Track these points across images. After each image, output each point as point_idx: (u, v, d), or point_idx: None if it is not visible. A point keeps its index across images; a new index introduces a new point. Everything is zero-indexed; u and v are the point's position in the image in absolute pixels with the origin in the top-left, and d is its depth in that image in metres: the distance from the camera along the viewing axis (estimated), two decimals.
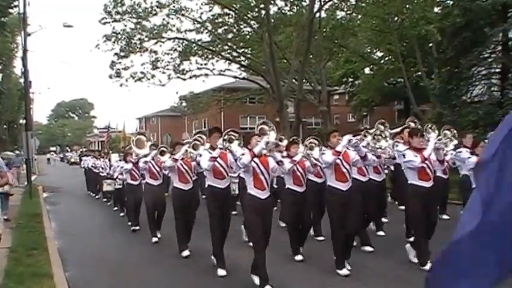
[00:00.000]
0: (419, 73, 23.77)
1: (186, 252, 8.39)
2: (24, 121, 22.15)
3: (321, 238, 9.11)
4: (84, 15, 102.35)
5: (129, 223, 11.78)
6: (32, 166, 24.48)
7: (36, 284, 6.64)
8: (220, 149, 7.00)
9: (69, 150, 70.95)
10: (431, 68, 22.76)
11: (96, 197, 18.95)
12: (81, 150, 60.62)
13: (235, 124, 39.73)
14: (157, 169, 9.87)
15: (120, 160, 13.81)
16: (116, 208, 15.21)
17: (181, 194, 8.48)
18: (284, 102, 23.82)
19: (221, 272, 7.09)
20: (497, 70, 20.58)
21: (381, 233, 9.39)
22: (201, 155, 7.40)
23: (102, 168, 16.93)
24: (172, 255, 8.67)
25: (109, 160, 16.51)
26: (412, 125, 7.87)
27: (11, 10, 25.12)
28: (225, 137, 6.54)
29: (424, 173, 6.91)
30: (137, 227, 11.20)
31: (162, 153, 9.04)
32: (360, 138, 7.11)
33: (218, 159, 7.17)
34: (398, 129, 8.41)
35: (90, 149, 22.05)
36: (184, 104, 30.84)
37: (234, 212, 12.74)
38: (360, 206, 7.51)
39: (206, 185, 7.60)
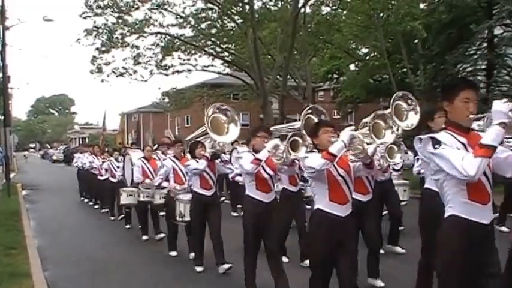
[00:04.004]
0: (405, 70, 23.70)
1: None
2: (2, 117, 21.60)
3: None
4: (65, 9, 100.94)
5: (172, 250, 8.44)
6: (11, 163, 23.96)
7: (15, 284, 6.48)
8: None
9: (49, 147, 69.90)
10: (417, 65, 22.70)
11: (96, 206, 15.26)
12: (66, 146, 59.85)
13: None
14: (270, 174, 5.93)
15: (145, 158, 9.86)
16: (128, 226, 11.22)
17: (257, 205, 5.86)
18: (268, 98, 23.62)
19: None
20: (483, 67, 20.68)
21: None
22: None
23: (106, 171, 13.26)
24: (156, 254, 8.53)
25: (116, 159, 12.69)
26: None
27: None
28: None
29: None
30: (202, 267, 7.26)
31: (293, 144, 5.07)
32: None
33: None
34: None
35: (86, 144, 20.34)
36: (166, 100, 30.53)
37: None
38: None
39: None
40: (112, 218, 12.81)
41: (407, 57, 22.44)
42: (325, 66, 31.79)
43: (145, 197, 9.40)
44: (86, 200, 16.63)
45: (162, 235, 9.46)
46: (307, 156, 4.43)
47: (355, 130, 4.53)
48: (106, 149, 16.06)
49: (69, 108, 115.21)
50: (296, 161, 5.48)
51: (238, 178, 8.86)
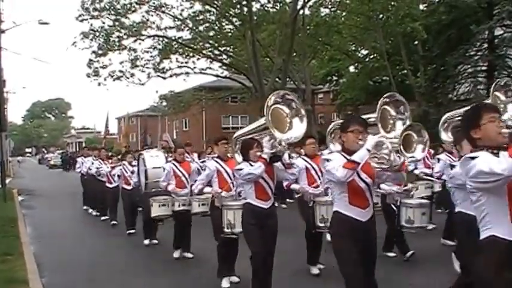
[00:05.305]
0: (405, 71, 23.67)
1: None
2: None
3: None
4: (61, 12, 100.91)
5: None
6: (7, 168, 23.76)
7: None
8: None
9: (45, 151, 69.66)
10: (417, 66, 22.67)
11: (102, 218, 13.35)
12: (63, 151, 59.68)
13: (217, 124, 39.41)
14: (367, 182, 4.29)
15: (176, 160, 8.38)
16: (156, 241, 9.53)
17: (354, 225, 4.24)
18: None
19: None
20: (483, 68, 20.68)
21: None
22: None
23: (119, 177, 11.71)
24: (152, 260, 8.44)
25: (130, 163, 11.05)
26: None
27: None
28: None
29: None
30: None
31: (405, 142, 4.12)
32: None
33: None
34: None
35: (91, 147, 19.30)
36: (164, 103, 30.45)
37: None
38: None
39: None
40: (132, 231, 10.74)
41: (407, 58, 22.40)
42: (324, 68, 31.79)
43: (181, 206, 7.85)
44: (90, 211, 14.75)
45: (190, 255, 8.21)
46: (475, 157, 2.97)
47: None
48: (110, 154, 15.02)
49: (65, 112, 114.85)
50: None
51: (294, 186, 7.01)
